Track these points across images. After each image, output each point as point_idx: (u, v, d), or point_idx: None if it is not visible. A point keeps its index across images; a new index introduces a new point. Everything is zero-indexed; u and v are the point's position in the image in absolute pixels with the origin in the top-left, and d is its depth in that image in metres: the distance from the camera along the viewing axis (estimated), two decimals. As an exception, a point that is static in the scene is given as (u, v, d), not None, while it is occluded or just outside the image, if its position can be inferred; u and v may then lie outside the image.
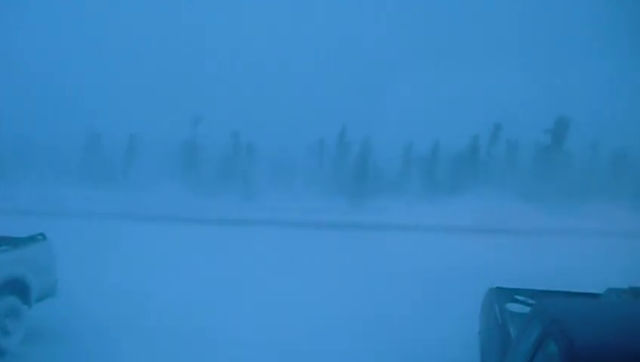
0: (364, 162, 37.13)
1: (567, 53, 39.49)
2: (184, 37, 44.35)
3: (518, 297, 8.51)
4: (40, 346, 9.75)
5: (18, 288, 9.66)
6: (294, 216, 29.85)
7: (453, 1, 42.87)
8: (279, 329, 11.13)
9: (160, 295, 12.98)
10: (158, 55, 44.01)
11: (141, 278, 14.43)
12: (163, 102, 39.87)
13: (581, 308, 6.28)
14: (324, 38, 42.32)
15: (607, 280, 8.96)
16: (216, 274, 15.65)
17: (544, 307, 6.10)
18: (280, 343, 10.40)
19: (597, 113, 34.47)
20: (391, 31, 42.34)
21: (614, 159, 36.83)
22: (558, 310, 5.81)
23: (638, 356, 4.77)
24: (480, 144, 37.57)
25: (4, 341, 9.37)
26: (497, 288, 9.02)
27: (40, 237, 10.39)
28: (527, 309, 7.51)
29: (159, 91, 41.33)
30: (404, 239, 23.53)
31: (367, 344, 10.48)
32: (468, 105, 36.53)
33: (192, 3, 45.46)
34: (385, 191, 35.94)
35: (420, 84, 39.07)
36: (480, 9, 42.07)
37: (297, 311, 12.41)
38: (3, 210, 27.07)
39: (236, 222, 27.72)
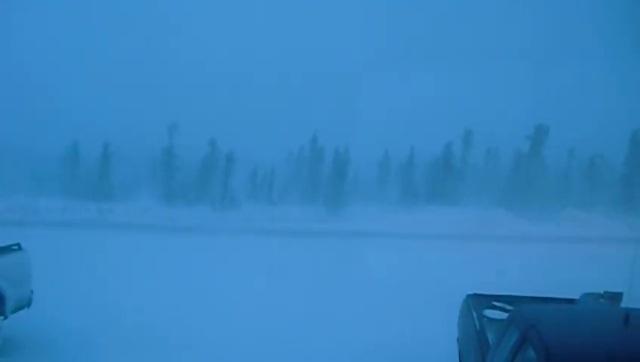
0: (340, 170, 37.13)
1: (544, 61, 39.82)
2: (161, 46, 44.25)
3: (496, 303, 8.53)
4: (15, 357, 9.63)
5: (-7, 299, 9.54)
6: (271, 224, 29.82)
7: (429, 10, 43.04)
8: (255, 336, 11.10)
9: (135, 304, 12.89)
10: (135, 64, 43.86)
11: (117, 287, 14.33)
12: (140, 110, 39.74)
13: (558, 313, 6.32)
14: (301, 46, 42.42)
15: (583, 285, 9.02)
16: (193, 282, 15.59)
17: (521, 313, 6.13)
18: (254, 349, 10.37)
19: (574, 120, 34.78)
20: (366, 39, 42.48)
21: (591, 166, 37.14)
22: (535, 315, 5.84)
23: (612, 359, 4.81)
24: (456, 151, 37.74)
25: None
26: (475, 294, 9.04)
27: (15, 247, 10.25)
28: (504, 315, 7.53)
29: (136, 99, 41.21)
30: (381, 246, 23.57)
31: (344, 350, 10.46)
32: (444, 112, 36.74)
33: (169, 12, 45.35)
34: (361, 198, 35.99)
35: (397, 92, 39.27)
36: (457, 17, 42.40)
37: (273, 318, 12.39)
38: (-23, 220, 26.77)
39: (213, 231, 27.62)
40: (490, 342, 7.06)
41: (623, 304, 7.29)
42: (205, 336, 11.10)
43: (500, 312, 8.05)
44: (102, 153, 39.26)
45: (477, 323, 7.90)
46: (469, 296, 9.10)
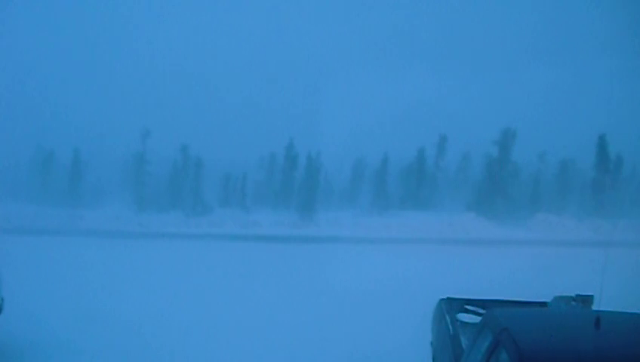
0: (313, 175, 37.13)
1: (515, 66, 40.18)
2: (133, 51, 44.00)
3: (469, 307, 8.58)
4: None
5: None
6: (244, 229, 29.76)
7: (400, 16, 43.22)
8: (225, 342, 11.08)
9: (106, 310, 12.80)
10: (106, 69, 43.57)
11: (88, 294, 14.22)
12: (112, 116, 39.45)
13: (530, 316, 6.38)
14: (273, 51, 42.36)
15: (555, 288, 9.11)
16: (165, 288, 15.51)
17: (494, 316, 6.17)
18: (223, 355, 10.35)
19: (543, 125, 35.11)
20: (340, 46, 42.58)
21: (561, 170, 37.49)
22: (507, 319, 5.88)
23: (584, 361, 4.87)
24: (428, 156, 37.91)
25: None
26: (448, 299, 9.09)
27: (-16, 254, 10.15)
28: (477, 319, 7.57)
29: (108, 105, 40.89)
30: (354, 251, 23.57)
31: (317, 355, 10.46)
32: (416, 117, 36.87)
33: (138, 16, 45.09)
34: (335, 204, 36.05)
35: (370, 98, 39.36)
36: (428, 24, 42.59)
37: (245, 323, 12.37)
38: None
39: (185, 237, 27.51)
40: (463, 345, 7.10)
41: (594, 306, 7.37)
42: (175, 341, 11.05)
43: (473, 316, 8.10)
44: (73, 159, 38.90)
45: (450, 327, 7.94)
46: (442, 300, 9.14)
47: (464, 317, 8.18)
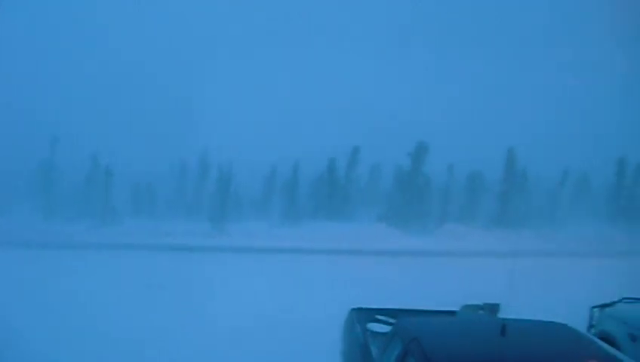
0: (225, 185, 36.84)
1: (426, 80, 40.86)
2: (39, 57, 42.81)
3: (379, 317, 8.62)
4: None
5: None
6: (155, 239, 29.22)
7: (305, 28, 43.37)
8: (133, 354, 10.85)
9: (11, 324, 12.34)
10: (14, 77, 42.16)
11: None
12: (19, 122, 38.20)
13: (439, 325, 6.46)
14: (185, 59, 41.89)
15: (463, 297, 9.26)
16: (72, 300, 15.07)
17: (404, 326, 6.22)
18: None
19: (453, 138, 35.82)
20: (253, 56, 42.45)
21: (470, 182, 38.29)
22: (417, 328, 5.95)
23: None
24: (340, 167, 38.13)
25: None
26: (359, 308, 9.13)
27: None
28: (387, 328, 7.62)
29: (16, 112, 39.57)
30: (266, 262, 23.50)
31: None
32: (328, 128, 37.07)
33: (41, 22, 43.85)
34: (247, 214, 35.85)
35: (281, 107, 39.36)
36: (338, 32, 42.87)
37: (153, 335, 12.14)
38: None
39: (94, 247, 26.82)
40: (373, 354, 7.13)
41: (501, 315, 7.52)
42: (70, 356, 10.74)
43: (383, 325, 8.14)
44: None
45: (361, 336, 7.97)
46: (352, 309, 9.17)
47: (374, 326, 8.22)
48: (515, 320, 5.85)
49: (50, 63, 40.97)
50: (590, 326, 9.93)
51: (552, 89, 41.09)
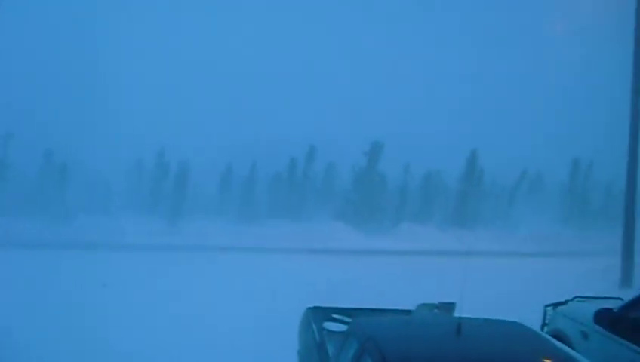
0: (181, 183, 36.52)
1: (384, 78, 40.92)
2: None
3: (335, 316, 8.63)
4: None
5: None
6: (108, 237, 28.84)
7: (260, 32, 43.17)
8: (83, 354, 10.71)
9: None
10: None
11: None
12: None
13: (395, 324, 6.50)
14: (143, 53, 41.42)
15: (419, 296, 9.30)
16: (21, 300, 14.80)
17: (360, 325, 6.23)
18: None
19: (410, 137, 35.88)
20: (214, 56, 42.12)
21: (426, 182, 38.51)
22: (373, 327, 5.96)
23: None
24: (297, 165, 38.06)
25: None
26: (315, 307, 9.12)
27: None
28: (344, 327, 7.62)
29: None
30: (222, 260, 23.34)
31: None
32: (285, 127, 36.89)
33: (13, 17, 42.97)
34: (203, 212, 35.50)
35: (238, 106, 39.12)
36: (296, 39, 42.77)
37: (102, 335, 11.98)
38: None
39: (45, 245, 26.36)
40: (329, 353, 7.12)
41: (456, 313, 7.56)
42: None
43: (340, 324, 8.14)
44: None
45: (317, 335, 7.97)
46: (308, 309, 9.16)
47: (330, 325, 8.22)
48: (470, 319, 5.88)
49: (4, 56, 40.19)
50: (544, 325, 10.07)
51: (510, 87, 41.48)
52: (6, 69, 39.12)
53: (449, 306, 8.32)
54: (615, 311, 8.61)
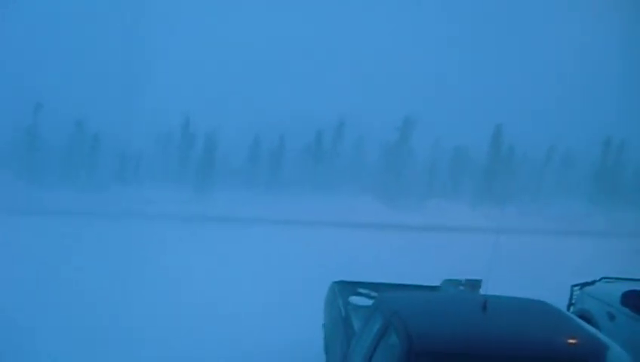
0: (211, 154, 36.76)
1: (413, 56, 40.60)
2: (23, 20, 42.23)
3: (361, 290, 8.65)
4: None
5: None
6: (139, 207, 29.12)
7: (292, 4, 42.85)
8: (118, 326, 10.82)
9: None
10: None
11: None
12: (1, 88, 37.70)
13: (420, 300, 6.51)
14: (170, 29, 41.41)
15: (445, 272, 9.31)
16: (55, 266, 15.00)
17: (385, 300, 6.25)
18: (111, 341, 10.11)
19: (439, 113, 35.71)
20: (234, 29, 41.99)
21: (455, 158, 38.38)
22: (398, 302, 5.97)
23: (470, 344, 4.99)
24: (326, 139, 38.09)
25: None
26: (341, 281, 9.15)
27: None
28: (369, 302, 7.64)
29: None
30: (250, 232, 23.49)
31: (212, 340, 10.33)
32: (315, 100, 36.80)
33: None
34: (231, 183, 35.68)
35: (266, 78, 39.02)
36: (327, 8, 42.48)
37: (136, 308, 12.09)
38: None
39: (79, 214, 26.68)
40: (355, 328, 7.15)
41: (482, 291, 7.56)
42: (62, 326, 10.70)
43: (365, 299, 8.17)
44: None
45: (342, 309, 8.00)
46: (335, 283, 9.19)
47: (356, 300, 8.24)
48: (496, 297, 5.88)
49: (35, 29, 40.44)
50: (570, 304, 10.01)
51: (541, 66, 41.03)
52: (38, 41, 39.46)
53: (475, 283, 8.30)
54: (642, 292, 8.54)
